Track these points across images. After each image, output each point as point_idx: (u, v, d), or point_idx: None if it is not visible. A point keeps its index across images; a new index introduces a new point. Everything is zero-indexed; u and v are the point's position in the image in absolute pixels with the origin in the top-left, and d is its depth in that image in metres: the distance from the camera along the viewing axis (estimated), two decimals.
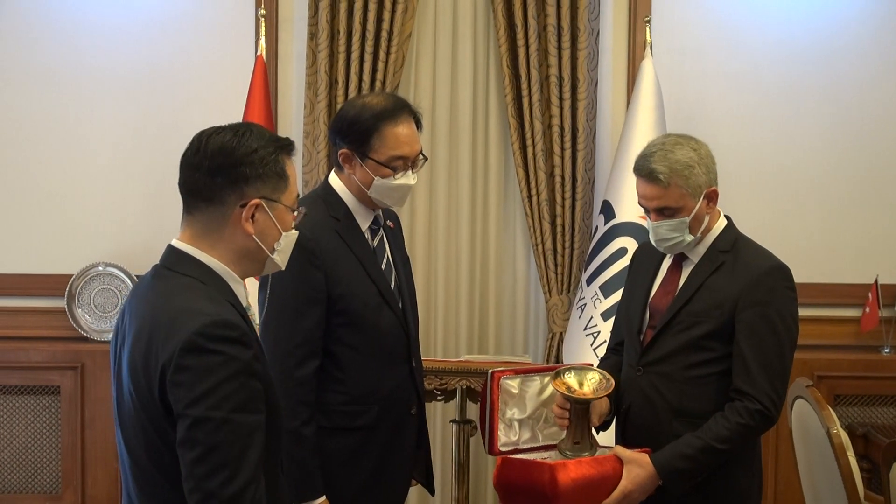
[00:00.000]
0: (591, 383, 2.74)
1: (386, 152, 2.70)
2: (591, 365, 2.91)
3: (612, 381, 2.74)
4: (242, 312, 1.98)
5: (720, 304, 2.68)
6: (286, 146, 2.03)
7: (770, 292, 2.67)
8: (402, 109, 2.74)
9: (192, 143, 2.00)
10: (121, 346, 1.98)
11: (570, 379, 2.75)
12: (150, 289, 1.98)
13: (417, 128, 2.77)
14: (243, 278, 2.03)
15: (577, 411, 2.73)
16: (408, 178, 2.74)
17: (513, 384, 2.82)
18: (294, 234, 2.06)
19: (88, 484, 4.44)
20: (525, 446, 2.83)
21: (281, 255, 2.05)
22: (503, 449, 2.79)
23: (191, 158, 1.98)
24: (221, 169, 1.95)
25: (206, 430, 1.81)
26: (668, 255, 2.84)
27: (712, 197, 2.73)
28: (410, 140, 2.73)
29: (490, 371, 2.81)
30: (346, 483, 2.73)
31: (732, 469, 2.71)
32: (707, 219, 2.73)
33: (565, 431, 2.78)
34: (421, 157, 2.78)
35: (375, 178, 2.71)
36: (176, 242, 2.00)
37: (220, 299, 1.94)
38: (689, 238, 2.71)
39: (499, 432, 2.79)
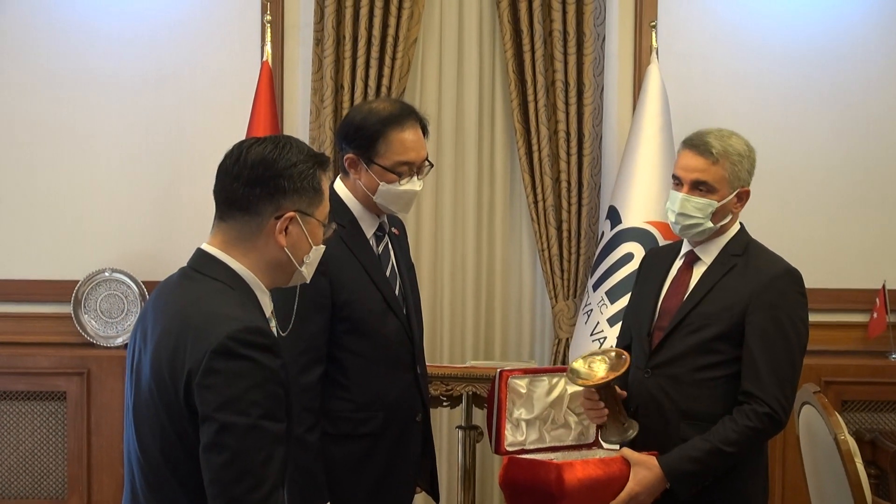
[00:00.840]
0: (602, 364, 2.74)
1: (392, 157, 2.70)
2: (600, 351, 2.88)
3: (623, 353, 2.74)
4: (267, 321, 1.99)
5: (731, 306, 2.68)
6: (324, 162, 2.04)
7: (781, 296, 2.67)
8: (408, 115, 2.75)
9: (231, 152, 2.01)
10: (142, 344, 1.98)
11: (581, 370, 2.73)
12: (178, 289, 1.99)
13: (424, 134, 2.78)
14: (269, 288, 2.04)
15: (607, 396, 2.73)
16: (413, 185, 2.74)
17: (521, 384, 2.81)
18: (322, 248, 2.08)
19: (94, 490, 4.44)
20: (532, 447, 2.82)
21: (308, 268, 2.07)
22: (510, 449, 2.79)
23: (230, 167, 1.99)
24: (261, 180, 1.96)
25: (234, 435, 1.81)
26: (679, 258, 2.83)
27: (743, 197, 2.76)
28: (416, 146, 2.74)
29: (498, 370, 2.81)
30: (351, 490, 2.72)
31: (738, 474, 2.70)
32: (729, 217, 2.75)
33: (575, 432, 2.79)
34: (427, 163, 2.78)
35: (381, 184, 2.71)
36: (206, 246, 2.01)
37: (250, 306, 1.96)
38: (709, 226, 2.72)
39: (506, 432, 2.78)
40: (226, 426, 1.81)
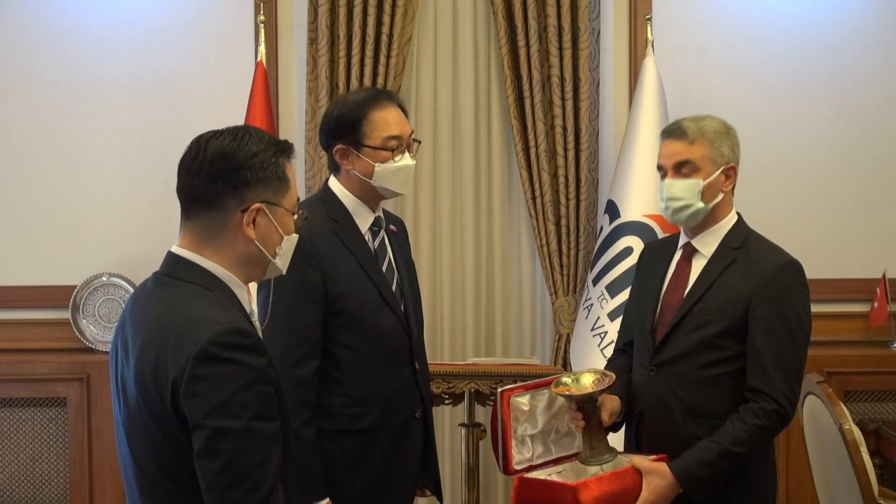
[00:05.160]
0: (589, 378, 2.73)
1: (379, 135, 2.72)
2: (594, 369, 2.90)
3: (613, 375, 2.73)
4: (248, 318, 1.96)
5: (733, 301, 2.66)
6: (286, 149, 2.00)
7: (784, 289, 2.65)
8: (384, 95, 2.80)
9: (190, 148, 1.96)
10: (123, 357, 1.94)
11: (569, 382, 2.74)
12: (154, 297, 1.94)
13: (404, 114, 2.81)
14: (246, 283, 2.00)
15: (587, 412, 2.71)
16: (407, 159, 2.76)
17: (523, 401, 2.79)
18: (295, 237, 2.03)
19: (97, 496, 4.42)
20: (539, 461, 2.80)
21: (282, 259, 2.02)
22: (518, 467, 2.75)
23: (189, 164, 1.94)
24: (222, 174, 1.92)
25: (227, 440, 1.78)
26: (678, 252, 2.81)
27: (730, 174, 2.74)
28: (399, 121, 2.77)
29: (499, 390, 2.78)
30: (350, 487, 2.71)
31: (749, 468, 2.68)
32: (721, 196, 2.73)
33: (581, 440, 2.77)
34: (414, 141, 2.81)
35: (376, 165, 2.72)
36: (176, 249, 1.97)
37: (229, 306, 1.91)
38: (700, 205, 2.70)
39: (512, 451, 2.75)
40: (217, 432, 1.78)
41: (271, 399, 1.86)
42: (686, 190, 2.69)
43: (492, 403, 3.27)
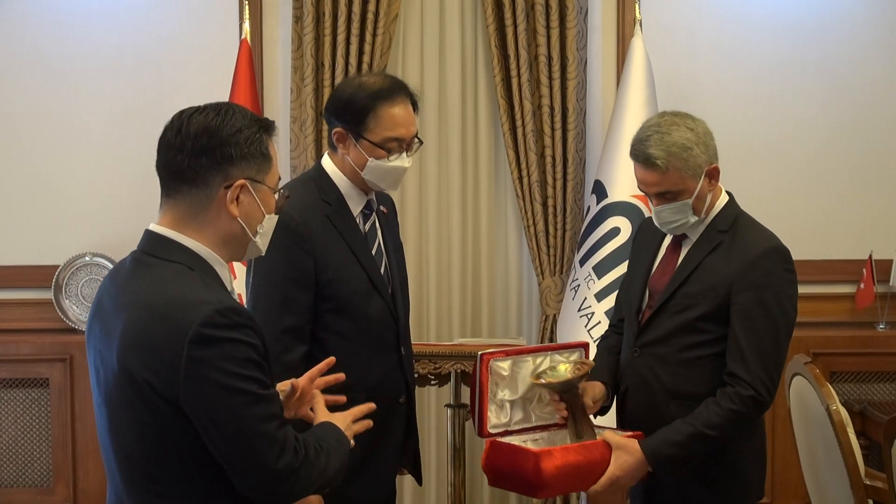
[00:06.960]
0: (565, 367, 2.73)
1: (381, 133, 2.66)
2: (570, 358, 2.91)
3: (590, 362, 2.74)
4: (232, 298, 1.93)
5: (716, 286, 2.63)
6: (268, 126, 1.98)
7: (767, 275, 2.62)
8: (399, 90, 2.71)
9: (171, 124, 1.93)
10: (105, 339, 1.90)
11: (546, 371, 2.74)
12: (135, 277, 1.91)
13: (414, 110, 2.74)
14: (228, 262, 1.98)
15: (569, 400, 2.71)
16: (402, 161, 2.71)
17: (503, 365, 2.78)
18: (275, 217, 2.01)
19: (80, 477, 4.40)
20: (517, 427, 2.79)
21: (262, 239, 2.00)
22: (493, 431, 2.75)
23: (172, 139, 1.91)
24: (206, 149, 1.89)
25: (240, 416, 1.80)
26: (668, 236, 2.79)
27: (713, 175, 2.68)
28: (406, 122, 2.69)
29: (479, 353, 2.77)
30: None
31: (739, 454, 2.68)
32: (710, 197, 2.68)
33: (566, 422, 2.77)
34: (416, 140, 2.74)
35: (369, 160, 2.68)
36: (156, 227, 1.93)
37: (214, 285, 1.89)
38: (694, 219, 2.66)
39: (488, 413, 2.75)
40: (228, 411, 1.79)
41: (268, 372, 1.88)
42: (676, 212, 2.65)
43: None
